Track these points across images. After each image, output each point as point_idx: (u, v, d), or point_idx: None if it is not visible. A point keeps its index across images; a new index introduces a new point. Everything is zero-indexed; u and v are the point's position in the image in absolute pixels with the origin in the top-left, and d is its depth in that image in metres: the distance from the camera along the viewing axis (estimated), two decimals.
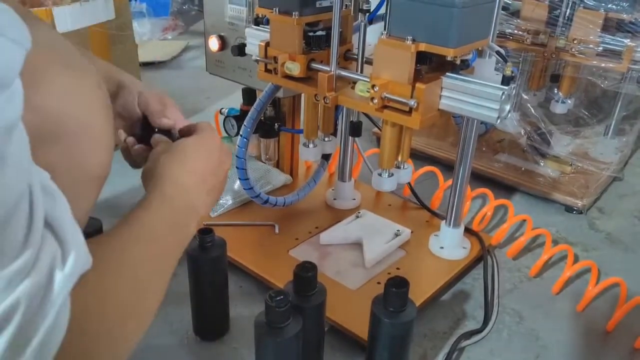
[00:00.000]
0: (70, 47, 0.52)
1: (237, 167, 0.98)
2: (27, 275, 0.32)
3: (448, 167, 1.32)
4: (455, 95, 0.75)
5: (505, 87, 0.72)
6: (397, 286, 0.72)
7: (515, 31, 1.34)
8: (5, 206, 0.31)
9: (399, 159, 0.86)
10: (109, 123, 0.52)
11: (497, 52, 0.82)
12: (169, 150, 0.59)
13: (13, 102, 0.31)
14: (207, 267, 0.82)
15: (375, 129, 1.49)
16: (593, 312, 0.98)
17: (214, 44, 1.10)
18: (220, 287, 0.85)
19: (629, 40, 1.23)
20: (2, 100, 0.30)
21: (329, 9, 0.84)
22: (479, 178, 1.36)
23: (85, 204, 0.52)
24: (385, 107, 0.76)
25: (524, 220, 1.17)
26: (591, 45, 1.25)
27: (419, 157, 1.47)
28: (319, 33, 0.86)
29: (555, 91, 1.41)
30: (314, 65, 0.85)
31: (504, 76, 0.73)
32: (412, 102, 0.72)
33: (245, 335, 0.89)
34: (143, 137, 0.65)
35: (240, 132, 1.00)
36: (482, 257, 1.05)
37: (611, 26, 1.27)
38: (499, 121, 0.74)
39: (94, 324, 0.40)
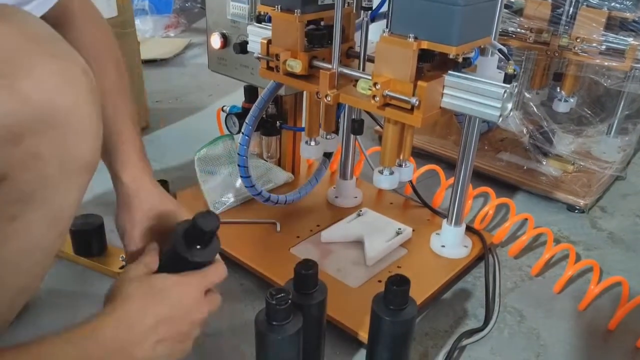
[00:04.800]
0: (55, 34, 0.51)
1: (238, 165, 0.99)
2: None
3: (450, 166, 1.31)
4: (457, 93, 0.75)
5: (508, 85, 0.71)
6: (397, 284, 0.72)
7: (518, 29, 1.34)
8: None
9: (401, 157, 0.86)
10: (96, 109, 0.52)
11: (500, 50, 0.82)
12: (142, 280, 0.56)
13: None
14: None
15: (377, 127, 1.49)
16: (595, 311, 0.98)
17: (216, 41, 1.10)
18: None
19: (632, 39, 1.22)
20: None
21: (331, 6, 0.83)
22: (480, 177, 1.36)
23: (77, 194, 0.53)
24: (386, 105, 0.76)
25: (526, 219, 1.16)
26: (594, 44, 1.25)
27: (421, 155, 1.46)
28: (321, 31, 0.86)
29: (558, 90, 1.41)
30: (316, 63, 0.85)
31: (506, 74, 0.72)
32: (413, 100, 0.72)
33: (246, 333, 0.89)
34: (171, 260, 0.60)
35: (242, 130, 1.00)
36: (483, 255, 1.05)
37: (614, 25, 1.27)
38: (501, 119, 0.73)
39: None
